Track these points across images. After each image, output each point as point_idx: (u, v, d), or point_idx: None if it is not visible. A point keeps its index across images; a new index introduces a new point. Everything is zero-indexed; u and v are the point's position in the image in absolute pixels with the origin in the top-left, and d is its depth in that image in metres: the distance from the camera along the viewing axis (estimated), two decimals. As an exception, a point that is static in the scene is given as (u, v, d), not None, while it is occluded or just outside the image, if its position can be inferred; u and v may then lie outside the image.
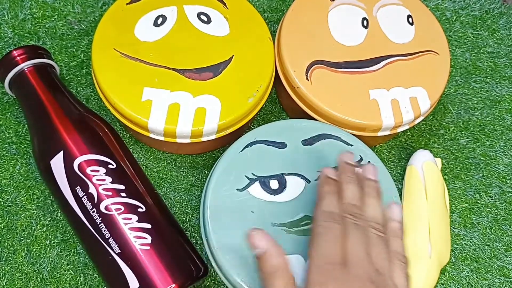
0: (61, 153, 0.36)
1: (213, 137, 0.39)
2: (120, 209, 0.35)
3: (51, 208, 0.41)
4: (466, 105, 0.49)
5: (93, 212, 0.35)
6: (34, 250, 0.40)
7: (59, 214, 0.41)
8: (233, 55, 0.40)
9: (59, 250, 0.40)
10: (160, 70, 0.39)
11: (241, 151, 0.37)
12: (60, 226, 0.40)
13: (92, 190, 0.35)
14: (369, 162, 0.37)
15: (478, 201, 0.45)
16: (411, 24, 0.44)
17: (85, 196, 0.35)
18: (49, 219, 0.41)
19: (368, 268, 0.28)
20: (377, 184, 0.33)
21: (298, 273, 0.33)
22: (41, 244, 0.40)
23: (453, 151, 0.47)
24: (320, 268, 0.28)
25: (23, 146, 0.43)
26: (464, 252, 0.43)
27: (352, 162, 0.34)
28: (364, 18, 0.43)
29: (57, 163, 0.36)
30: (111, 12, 0.41)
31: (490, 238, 0.44)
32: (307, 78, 0.40)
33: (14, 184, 0.41)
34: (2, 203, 0.41)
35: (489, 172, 0.46)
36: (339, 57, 0.41)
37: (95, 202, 0.35)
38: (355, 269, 0.28)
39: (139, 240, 0.34)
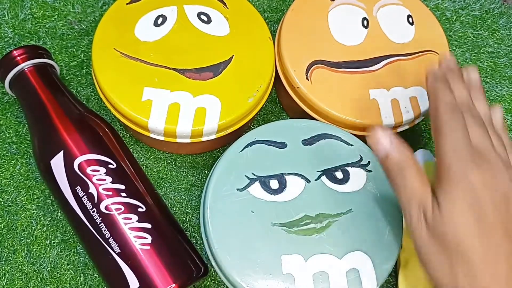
0: (61, 153, 0.36)
1: (213, 137, 0.39)
2: (120, 209, 0.35)
3: (51, 208, 0.41)
4: (466, 105, 0.49)
5: (93, 212, 0.35)
6: (34, 250, 0.40)
7: (59, 214, 0.41)
8: (233, 55, 0.40)
9: (59, 250, 0.40)
10: (160, 70, 0.39)
11: (241, 151, 0.37)
12: (60, 226, 0.40)
13: (92, 190, 0.35)
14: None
15: (478, 201, 0.45)
16: (411, 24, 0.44)
17: (85, 196, 0.35)
18: (49, 219, 0.41)
19: (497, 153, 0.29)
20: (480, 83, 0.34)
21: (298, 273, 0.34)
22: (41, 244, 0.40)
23: (453, 151, 0.47)
24: (456, 157, 0.28)
25: (23, 146, 0.43)
26: (464, 252, 0.43)
27: (455, 64, 0.34)
28: (364, 18, 0.43)
29: (57, 163, 0.36)
30: (111, 12, 0.41)
31: (490, 238, 0.44)
32: (307, 78, 0.40)
33: (14, 184, 0.42)
34: (2, 203, 0.41)
35: (489, 172, 0.46)
36: (339, 57, 0.41)
37: (95, 202, 0.35)
38: (487, 154, 0.28)
39: (139, 240, 0.34)
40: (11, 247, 0.40)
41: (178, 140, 0.39)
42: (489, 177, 0.28)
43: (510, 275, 0.26)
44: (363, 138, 0.40)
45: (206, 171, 0.44)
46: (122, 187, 0.36)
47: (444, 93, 0.31)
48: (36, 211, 0.41)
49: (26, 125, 0.43)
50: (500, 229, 0.27)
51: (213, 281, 0.40)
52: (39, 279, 0.39)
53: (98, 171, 0.35)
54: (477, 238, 0.27)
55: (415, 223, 0.28)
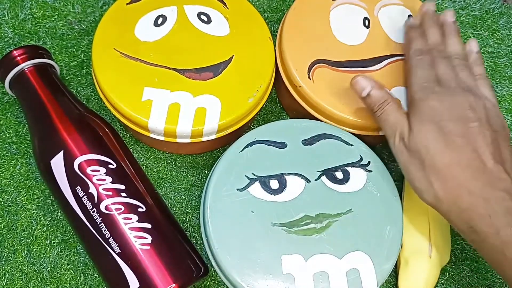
0: (61, 153, 0.36)
1: (213, 137, 0.39)
2: (120, 209, 0.35)
3: (51, 208, 0.41)
4: (466, 105, 0.49)
5: (93, 212, 0.35)
6: (34, 250, 0.40)
7: (59, 214, 0.41)
8: (233, 55, 0.40)
9: (59, 250, 0.40)
10: (160, 70, 0.39)
11: (241, 151, 0.37)
12: (60, 226, 0.40)
13: (92, 190, 0.35)
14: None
15: (478, 201, 0.45)
16: (411, 24, 0.44)
17: (85, 196, 0.35)
18: (49, 219, 0.41)
19: (459, 82, 0.35)
20: (456, 25, 0.39)
21: (298, 273, 0.34)
22: (41, 244, 0.40)
23: (453, 151, 0.47)
24: (419, 88, 0.35)
25: (23, 146, 0.43)
26: (464, 252, 0.43)
27: (433, 8, 0.40)
28: (365, 18, 0.43)
29: (57, 163, 0.36)
30: (111, 12, 0.41)
31: (490, 238, 0.44)
32: (309, 77, 0.40)
33: (14, 184, 0.42)
34: (2, 203, 0.41)
35: (489, 172, 0.46)
36: (341, 56, 0.41)
37: (95, 202, 0.35)
38: (448, 83, 0.34)
39: (139, 240, 0.34)
40: (11, 247, 0.40)
41: (178, 140, 0.39)
42: (448, 100, 0.33)
43: (474, 178, 0.31)
44: (364, 138, 0.40)
45: (206, 171, 0.44)
46: (122, 187, 0.36)
47: (415, 41, 0.38)
48: (36, 211, 0.41)
49: (26, 125, 0.43)
50: (461, 141, 0.32)
51: (213, 281, 0.40)
52: (39, 279, 0.39)
53: (98, 171, 0.35)
54: (442, 149, 0.32)
55: (397, 146, 0.34)
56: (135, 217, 0.35)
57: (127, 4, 0.42)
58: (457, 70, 0.36)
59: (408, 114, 0.35)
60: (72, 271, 0.39)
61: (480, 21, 0.53)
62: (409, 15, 0.44)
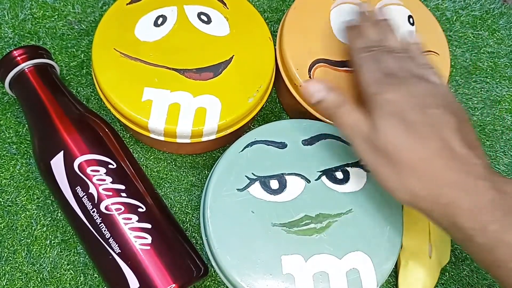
0: (61, 153, 0.36)
1: (213, 137, 0.39)
2: (120, 209, 0.35)
3: (51, 208, 0.41)
4: (466, 105, 0.49)
5: (93, 212, 0.35)
6: (34, 250, 0.40)
7: (59, 214, 0.41)
8: (233, 55, 0.40)
9: (59, 250, 0.40)
10: (160, 70, 0.39)
11: (241, 151, 0.37)
12: (60, 226, 0.40)
13: (92, 190, 0.35)
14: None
15: (478, 201, 0.45)
16: (412, 24, 0.44)
17: (85, 196, 0.35)
18: (49, 219, 0.41)
19: (408, 71, 0.33)
20: (390, 22, 0.39)
21: (298, 273, 0.34)
22: (41, 244, 0.40)
23: (453, 151, 0.47)
24: (371, 82, 0.33)
25: (23, 146, 0.43)
26: (464, 252, 0.43)
27: (368, 9, 0.41)
28: (364, 18, 0.43)
29: (57, 163, 0.36)
30: (111, 12, 0.41)
31: (490, 238, 0.44)
32: (310, 77, 0.40)
33: (14, 184, 0.42)
34: (2, 203, 0.41)
35: (489, 172, 0.46)
36: (341, 55, 0.41)
37: (95, 202, 0.35)
38: (398, 74, 0.33)
39: (139, 240, 0.34)
40: (11, 247, 0.40)
41: (178, 140, 0.39)
42: (404, 90, 0.31)
43: (448, 168, 0.29)
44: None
45: (206, 171, 0.44)
46: (122, 187, 0.36)
47: (356, 39, 0.38)
48: (36, 211, 0.41)
49: (26, 125, 0.43)
50: (427, 130, 0.30)
51: (213, 281, 0.40)
52: (39, 279, 0.39)
53: (98, 171, 0.35)
54: (410, 142, 0.30)
55: (362, 147, 0.32)
56: (135, 217, 0.35)
57: (127, 4, 0.42)
58: (402, 62, 0.34)
59: (366, 112, 0.32)
60: (72, 271, 0.39)
61: (480, 21, 0.53)
62: (409, 16, 0.44)
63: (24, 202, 0.41)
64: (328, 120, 0.40)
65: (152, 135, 0.38)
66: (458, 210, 0.28)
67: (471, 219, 0.27)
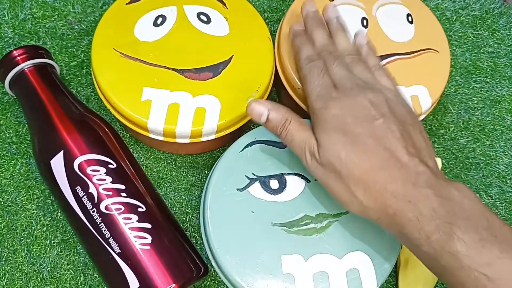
0: (61, 153, 0.36)
1: (212, 137, 0.39)
2: (120, 209, 0.35)
3: (51, 208, 0.41)
4: (466, 105, 0.49)
5: (93, 212, 0.35)
6: (34, 250, 0.40)
7: (59, 214, 0.41)
8: (232, 55, 0.40)
9: (59, 250, 0.40)
10: (160, 70, 0.39)
11: (241, 151, 0.37)
12: (60, 226, 0.40)
13: (92, 190, 0.35)
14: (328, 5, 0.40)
15: (478, 201, 0.45)
16: (411, 22, 0.44)
17: (85, 196, 0.35)
18: (49, 219, 0.41)
19: (355, 80, 0.33)
20: (340, 20, 0.38)
21: (298, 273, 0.34)
22: (41, 244, 0.40)
23: (453, 151, 0.47)
24: (316, 97, 0.33)
25: (23, 146, 0.43)
26: (464, 252, 0.43)
27: (314, 9, 0.39)
28: (363, 18, 0.43)
29: (57, 162, 0.36)
30: (111, 12, 0.41)
31: (490, 238, 0.44)
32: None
33: (14, 184, 0.42)
34: (2, 203, 0.41)
35: (489, 172, 0.46)
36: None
37: (95, 202, 0.35)
38: (344, 85, 0.33)
39: (139, 240, 0.34)
40: (11, 247, 0.40)
41: (178, 140, 0.39)
42: (348, 103, 0.31)
43: (393, 178, 0.29)
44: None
45: (206, 171, 0.44)
46: (122, 187, 0.36)
47: (303, 48, 0.36)
48: (36, 211, 0.41)
49: (26, 125, 0.43)
50: (371, 142, 0.30)
51: (213, 281, 0.40)
52: (39, 279, 0.39)
53: (98, 171, 0.35)
54: (355, 155, 0.30)
55: (310, 164, 0.32)
56: (135, 217, 0.35)
57: (126, 4, 0.42)
58: (351, 67, 0.34)
59: (312, 128, 0.32)
60: (72, 271, 0.39)
61: (480, 21, 0.53)
62: (408, 14, 0.44)
63: (24, 202, 0.41)
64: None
65: (151, 135, 0.38)
66: (404, 220, 0.28)
67: (416, 229, 0.28)
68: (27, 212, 0.41)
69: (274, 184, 0.36)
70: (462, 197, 0.28)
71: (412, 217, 0.28)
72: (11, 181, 0.42)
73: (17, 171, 0.42)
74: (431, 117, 0.48)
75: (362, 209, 0.30)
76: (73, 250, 0.40)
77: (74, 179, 0.35)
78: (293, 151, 0.33)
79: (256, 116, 0.34)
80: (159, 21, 0.41)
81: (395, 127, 0.30)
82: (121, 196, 0.35)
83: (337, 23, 0.38)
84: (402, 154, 0.29)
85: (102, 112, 0.45)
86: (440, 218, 0.27)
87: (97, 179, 0.35)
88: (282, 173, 0.37)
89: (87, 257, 0.40)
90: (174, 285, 0.33)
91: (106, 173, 0.36)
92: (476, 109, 0.49)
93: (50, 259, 0.39)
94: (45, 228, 0.40)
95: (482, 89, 0.50)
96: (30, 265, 0.39)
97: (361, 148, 0.30)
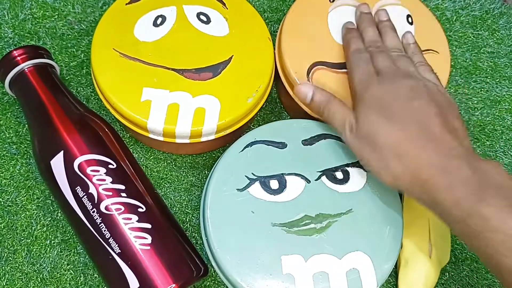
0: (61, 153, 0.36)
1: (212, 137, 0.39)
2: (120, 209, 0.35)
3: (51, 208, 0.41)
4: (466, 105, 0.49)
5: (93, 212, 0.35)
6: (34, 250, 0.40)
7: (59, 214, 0.41)
8: (232, 55, 0.40)
9: (59, 250, 0.40)
10: (160, 70, 0.39)
11: (241, 151, 0.37)
12: (60, 226, 0.40)
13: (92, 190, 0.35)
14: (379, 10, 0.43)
15: (478, 201, 0.45)
16: (411, 23, 0.44)
17: (85, 196, 0.35)
18: (49, 219, 0.41)
19: (398, 70, 0.36)
20: (390, 23, 0.41)
21: (298, 273, 0.34)
22: (41, 244, 0.40)
23: (453, 151, 0.47)
24: (359, 81, 0.36)
25: (23, 146, 0.43)
26: (464, 252, 0.43)
27: (367, 10, 0.42)
28: (364, 18, 0.43)
29: (57, 163, 0.36)
30: (111, 12, 0.41)
31: (490, 238, 0.44)
32: (308, 80, 0.40)
33: (14, 184, 0.42)
34: (2, 203, 0.41)
35: (489, 172, 0.46)
36: (340, 58, 0.41)
37: (95, 202, 0.35)
38: (387, 72, 0.35)
39: (139, 240, 0.34)
40: (11, 247, 0.40)
41: (177, 141, 0.39)
42: (389, 86, 0.34)
43: (427, 148, 0.31)
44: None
45: (206, 171, 0.44)
46: (122, 187, 0.36)
47: (352, 42, 0.39)
48: (36, 211, 0.41)
49: (26, 125, 0.43)
50: (407, 116, 0.32)
51: (213, 281, 0.40)
52: (39, 279, 0.39)
53: (98, 171, 0.35)
54: (391, 128, 0.32)
55: (348, 137, 0.35)
56: (135, 217, 0.35)
57: (126, 4, 0.42)
58: (395, 61, 0.37)
59: (353, 107, 0.35)
60: (72, 271, 0.39)
61: (480, 21, 0.53)
62: (408, 15, 0.44)
63: (24, 202, 0.41)
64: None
65: (151, 135, 0.38)
66: (436, 187, 0.30)
67: (448, 195, 0.30)
68: (27, 212, 0.41)
69: (274, 184, 0.36)
70: (493, 170, 0.30)
71: (445, 184, 0.30)
72: (11, 181, 0.42)
73: (17, 171, 0.42)
74: (431, 117, 0.48)
75: (394, 178, 0.32)
76: (73, 250, 0.40)
77: (74, 179, 0.35)
78: (334, 128, 0.37)
79: (302, 96, 0.38)
80: (159, 21, 0.41)
81: (432, 107, 0.33)
82: (121, 196, 0.35)
83: (388, 24, 0.41)
84: (438, 129, 0.32)
85: (102, 112, 0.45)
86: (472, 184, 0.29)
87: (97, 179, 0.35)
88: (282, 173, 0.37)
89: (87, 257, 0.40)
90: (174, 285, 0.33)
91: (106, 173, 0.36)
92: (476, 109, 0.49)
93: (50, 259, 0.39)
94: (45, 228, 0.40)
95: (482, 89, 0.50)
96: (30, 265, 0.39)
97: (397, 121, 0.32)
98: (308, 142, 0.38)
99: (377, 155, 0.33)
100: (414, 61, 0.38)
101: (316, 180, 0.37)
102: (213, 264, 0.35)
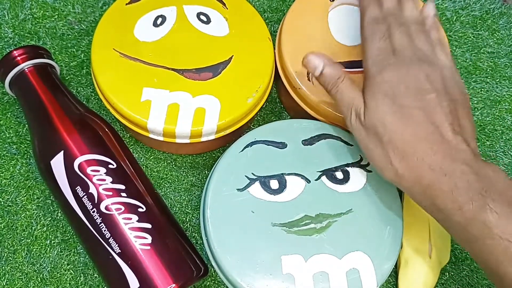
0: (61, 153, 0.36)
1: (212, 137, 0.39)
2: (121, 209, 0.35)
3: (51, 208, 0.41)
4: (466, 105, 0.49)
5: (94, 212, 0.35)
6: (34, 250, 0.40)
7: (59, 214, 0.41)
8: (232, 55, 0.40)
9: (59, 250, 0.40)
10: (160, 70, 0.39)
11: (241, 151, 0.37)
12: (60, 226, 0.40)
13: (92, 190, 0.35)
14: None
15: (478, 201, 0.45)
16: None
17: (85, 196, 0.35)
18: (49, 219, 0.41)
19: (415, 51, 0.33)
20: None
21: (298, 273, 0.34)
22: (41, 244, 0.40)
23: (453, 151, 0.47)
24: (373, 61, 0.33)
25: (23, 146, 0.43)
26: (464, 252, 0.43)
27: None
28: (364, 18, 0.43)
29: (57, 163, 0.36)
30: (111, 12, 0.41)
31: (490, 238, 0.44)
32: (308, 79, 0.40)
33: (14, 184, 0.42)
34: (2, 203, 0.41)
35: (489, 172, 0.46)
36: (340, 57, 0.41)
37: (96, 202, 0.35)
38: (404, 53, 0.33)
39: (140, 240, 0.34)
40: (11, 247, 0.40)
41: (177, 141, 0.39)
42: (404, 72, 0.32)
43: (433, 151, 0.30)
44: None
45: (206, 171, 0.44)
46: (122, 187, 0.36)
47: (369, 9, 0.36)
48: (36, 211, 0.41)
49: (26, 125, 0.43)
50: (418, 114, 0.31)
51: (213, 281, 0.40)
52: (39, 279, 0.39)
53: (98, 171, 0.35)
54: (399, 124, 0.31)
55: (353, 123, 0.33)
56: (135, 217, 0.35)
57: (126, 4, 0.42)
58: (414, 37, 0.34)
59: (363, 90, 0.33)
60: (72, 271, 0.39)
61: (480, 21, 0.53)
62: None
63: (24, 202, 0.41)
64: (329, 122, 0.40)
65: (151, 135, 0.38)
66: (438, 192, 0.29)
67: (449, 201, 0.29)
68: (27, 212, 0.41)
69: (274, 184, 0.36)
70: (496, 176, 0.29)
71: (447, 189, 0.29)
72: (11, 181, 0.42)
73: (17, 171, 0.42)
74: (431, 117, 0.48)
75: (396, 176, 0.31)
76: (73, 250, 0.40)
77: (74, 179, 0.35)
78: (339, 110, 0.35)
79: (311, 68, 0.35)
80: (159, 21, 0.41)
81: (445, 103, 0.31)
82: (121, 196, 0.35)
83: None
84: (447, 130, 0.30)
85: (102, 112, 0.45)
86: (474, 190, 0.28)
87: (97, 179, 0.35)
88: (282, 173, 0.37)
89: (87, 257, 0.40)
90: (174, 285, 0.33)
91: (106, 173, 0.36)
92: (476, 109, 0.49)
93: (50, 259, 0.39)
94: (45, 228, 0.40)
95: (482, 89, 0.50)
96: (30, 265, 0.39)
97: (407, 118, 0.31)
98: (308, 142, 0.38)
99: (382, 150, 0.31)
100: (432, 37, 0.35)
101: (316, 180, 0.37)
102: (213, 264, 0.35)
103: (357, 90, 0.33)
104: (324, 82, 0.35)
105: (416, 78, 0.32)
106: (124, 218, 0.35)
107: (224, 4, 0.43)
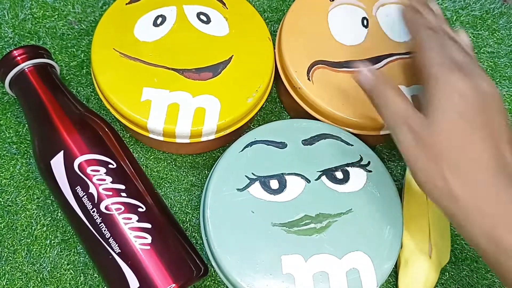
0: (61, 153, 0.36)
1: (212, 137, 0.39)
2: (120, 209, 0.35)
3: (51, 208, 0.41)
4: (466, 105, 0.49)
5: (93, 212, 0.35)
6: (34, 250, 0.40)
7: (59, 214, 0.41)
8: (232, 55, 0.40)
9: (59, 250, 0.40)
10: (160, 70, 0.39)
11: (241, 151, 0.37)
12: (60, 226, 0.40)
13: (92, 190, 0.35)
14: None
15: (478, 201, 0.45)
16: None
17: (85, 196, 0.35)
18: (49, 219, 0.41)
19: (471, 67, 0.30)
20: (442, 12, 0.37)
21: (298, 273, 0.34)
22: (41, 244, 0.40)
23: (453, 151, 0.47)
24: (437, 63, 0.30)
25: (23, 146, 0.43)
26: (464, 252, 0.43)
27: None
28: (364, 18, 0.43)
29: (57, 163, 0.36)
30: (111, 12, 0.41)
31: (490, 238, 0.44)
32: (308, 79, 0.40)
33: (14, 184, 0.42)
34: (2, 203, 0.41)
35: (489, 172, 0.46)
36: (340, 57, 0.41)
37: (95, 202, 0.35)
38: (465, 67, 0.30)
39: (139, 240, 0.34)
40: (11, 247, 0.40)
41: (177, 140, 0.39)
42: (471, 84, 0.29)
43: (498, 177, 0.27)
44: (365, 137, 0.40)
45: (206, 171, 0.44)
46: (122, 187, 0.36)
47: (422, 18, 0.34)
48: (36, 211, 0.41)
49: (26, 125, 0.43)
50: (484, 134, 0.28)
51: (213, 281, 0.40)
52: (39, 279, 0.39)
53: (98, 171, 0.35)
54: (465, 143, 0.28)
55: (403, 137, 0.29)
56: (135, 217, 0.35)
57: (126, 4, 0.42)
58: (464, 54, 0.32)
59: (426, 97, 0.30)
60: (72, 271, 0.39)
61: (480, 21, 0.53)
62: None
63: (24, 202, 0.41)
64: (330, 122, 0.40)
65: (151, 135, 0.38)
66: (501, 223, 0.27)
67: (487, 229, 0.27)
68: (27, 212, 0.41)
69: (274, 184, 0.36)
70: None
71: (490, 223, 0.27)
72: (11, 181, 0.42)
73: (17, 171, 0.42)
74: (431, 117, 0.48)
75: (449, 199, 0.28)
76: (73, 250, 0.40)
77: (74, 179, 0.35)
78: (383, 119, 0.31)
79: (360, 79, 0.33)
80: (159, 21, 0.41)
81: (507, 128, 0.29)
82: (121, 196, 0.35)
83: (442, 15, 0.37)
84: (510, 155, 0.28)
85: (102, 112, 0.45)
86: None
87: (97, 179, 0.35)
88: (282, 173, 0.37)
89: (87, 257, 0.40)
90: (174, 285, 0.33)
91: (106, 173, 0.36)
92: (476, 109, 0.49)
93: (50, 259, 0.39)
94: (45, 228, 0.40)
95: (482, 89, 0.50)
96: (30, 265, 0.39)
97: (474, 138, 0.28)
98: (308, 142, 0.38)
99: (437, 167, 0.28)
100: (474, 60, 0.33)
101: (316, 180, 0.37)
102: (213, 264, 0.35)
103: (407, 100, 0.30)
104: (373, 92, 0.32)
105: (483, 93, 0.29)
106: (124, 218, 0.35)
107: (224, 4, 0.43)
